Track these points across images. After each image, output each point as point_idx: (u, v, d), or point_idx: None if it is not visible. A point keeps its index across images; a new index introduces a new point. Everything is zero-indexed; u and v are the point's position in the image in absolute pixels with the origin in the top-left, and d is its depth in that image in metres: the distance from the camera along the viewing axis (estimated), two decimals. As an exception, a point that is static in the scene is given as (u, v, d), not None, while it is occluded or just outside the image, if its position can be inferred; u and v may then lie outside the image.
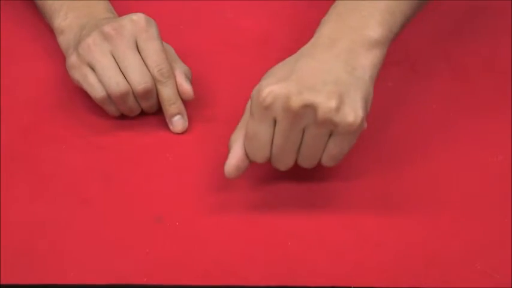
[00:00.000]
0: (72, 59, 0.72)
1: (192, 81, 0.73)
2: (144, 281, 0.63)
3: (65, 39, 0.75)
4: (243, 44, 0.80)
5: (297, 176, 0.68)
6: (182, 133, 0.73)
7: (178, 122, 0.73)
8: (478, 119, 0.74)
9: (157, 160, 0.71)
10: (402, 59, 0.79)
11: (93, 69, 0.71)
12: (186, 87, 0.72)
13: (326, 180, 0.69)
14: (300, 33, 0.80)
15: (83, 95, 0.74)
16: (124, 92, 0.71)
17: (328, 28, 0.66)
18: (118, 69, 0.71)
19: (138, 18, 0.72)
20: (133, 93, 0.71)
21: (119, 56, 0.71)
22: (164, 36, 0.72)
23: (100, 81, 0.71)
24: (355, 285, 0.63)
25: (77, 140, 0.73)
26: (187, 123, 0.73)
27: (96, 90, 0.71)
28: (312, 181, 0.69)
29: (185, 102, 0.73)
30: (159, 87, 0.71)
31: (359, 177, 0.70)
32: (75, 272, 0.64)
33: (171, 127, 0.73)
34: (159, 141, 0.73)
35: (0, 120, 0.74)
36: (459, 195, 0.69)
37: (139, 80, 0.71)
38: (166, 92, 0.72)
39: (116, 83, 0.70)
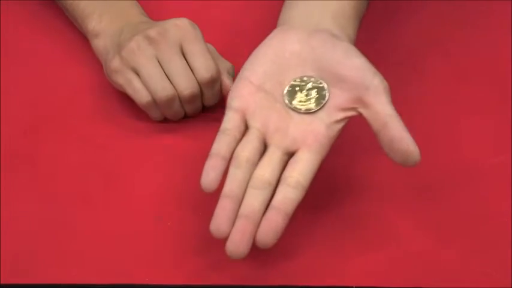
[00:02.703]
0: (115, 63, 0.71)
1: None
2: (144, 281, 0.64)
3: (100, 43, 0.75)
4: (244, 44, 0.80)
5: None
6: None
7: None
8: (479, 118, 0.74)
9: (158, 160, 0.71)
10: (403, 59, 0.79)
11: (137, 74, 0.71)
12: (227, 83, 0.72)
13: (327, 179, 0.69)
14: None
15: (83, 94, 0.74)
16: (170, 97, 0.70)
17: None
18: (163, 74, 0.70)
19: (182, 22, 0.71)
20: (179, 98, 0.71)
21: (165, 61, 0.70)
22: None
23: (145, 86, 0.71)
24: (355, 285, 0.63)
25: (78, 140, 0.73)
26: None
27: (142, 95, 0.71)
28: (313, 181, 0.69)
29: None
30: (205, 90, 0.71)
31: (360, 177, 0.70)
32: (75, 272, 0.64)
33: None
34: (160, 142, 0.73)
35: (1, 120, 0.74)
36: (459, 195, 0.69)
37: (186, 85, 0.70)
38: (212, 93, 0.72)
39: (163, 88, 0.70)
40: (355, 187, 0.69)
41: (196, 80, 0.71)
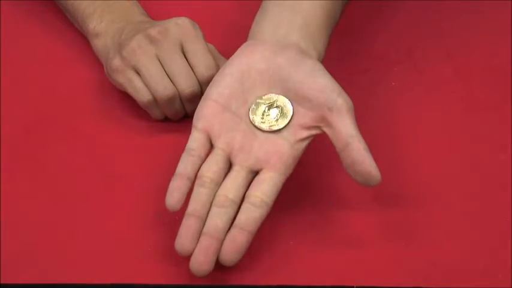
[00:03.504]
0: (116, 63, 0.71)
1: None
2: (144, 280, 0.63)
3: (100, 43, 0.75)
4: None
5: (298, 175, 0.68)
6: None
7: None
8: (479, 118, 0.74)
9: (159, 159, 0.71)
10: (405, 59, 0.79)
11: (138, 73, 0.71)
12: None
13: (328, 179, 0.69)
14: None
15: (84, 94, 0.74)
16: (171, 96, 0.71)
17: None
18: (164, 73, 0.71)
19: (183, 22, 0.72)
20: (179, 96, 0.71)
21: (165, 60, 0.71)
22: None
23: (146, 85, 0.71)
24: (355, 285, 0.63)
25: (78, 139, 0.73)
26: None
27: (143, 94, 0.71)
28: (313, 180, 0.69)
29: None
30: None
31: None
32: (75, 272, 0.64)
33: None
34: (161, 141, 0.73)
35: (1, 119, 0.74)
36: (460, 194, 0.69)
37: (187, 84, 0.70)
38: None
39: (164, 87, 0.70)
40: (356, 189, 0.69)
41: (197, 78, 0.71)
